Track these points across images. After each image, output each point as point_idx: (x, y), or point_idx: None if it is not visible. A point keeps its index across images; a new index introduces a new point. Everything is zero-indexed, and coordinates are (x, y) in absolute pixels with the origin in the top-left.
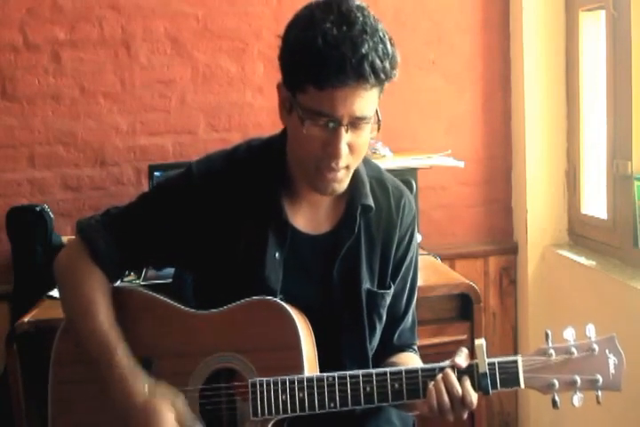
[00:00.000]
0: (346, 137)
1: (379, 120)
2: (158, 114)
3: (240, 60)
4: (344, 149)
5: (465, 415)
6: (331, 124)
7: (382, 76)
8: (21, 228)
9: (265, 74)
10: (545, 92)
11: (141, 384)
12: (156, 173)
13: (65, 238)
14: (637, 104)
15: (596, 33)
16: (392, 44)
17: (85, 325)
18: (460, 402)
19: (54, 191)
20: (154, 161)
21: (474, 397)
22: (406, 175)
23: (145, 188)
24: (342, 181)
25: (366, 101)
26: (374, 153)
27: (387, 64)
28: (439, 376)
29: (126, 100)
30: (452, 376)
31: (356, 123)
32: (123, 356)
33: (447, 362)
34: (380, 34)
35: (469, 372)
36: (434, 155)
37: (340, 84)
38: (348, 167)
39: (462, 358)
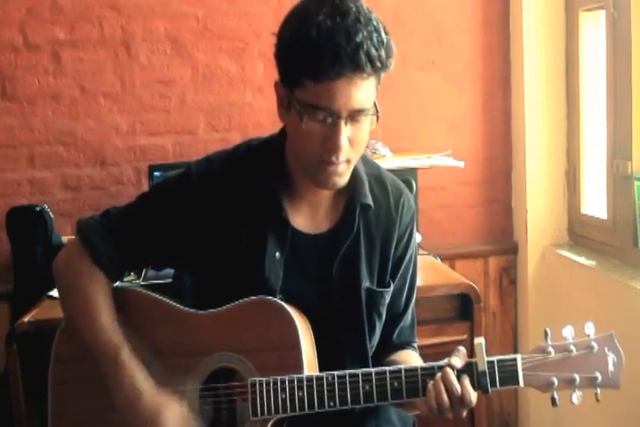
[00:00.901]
0: (345, 131)
1: (377, 111)
2: (158, 114)
3: (240, 60)
4: (344, 142)
5: (464, 414)
6: (329, 119)
7: (378, 64)
8: (21, 228)
9: (265, 74)
10: (545, 92)
11: (146, 385)
12: (156, 173)
13: (65, 238)
14: (637, 104)
15: (596, 33)
16: (386, 33)
17: (87, 326)
18: (459, 401)
19: (54, 191)
20: (154, 161)
21: (473, 395)
22: (406, 175)
23: (145, 188)
24: (343, 174)
25: (364, 92)
26: (374, 153)
27: (382, 52)
28: (438, 375)
29: (126, 100)
30: (452, 375)
31: (354, 116)
32: (127, 356)
33: (445, 361)
34: (374, 23)
35: (469, 370)
36: (434, 155)
37: (337, 74)
38: (348, 161)
39: (458, 359)
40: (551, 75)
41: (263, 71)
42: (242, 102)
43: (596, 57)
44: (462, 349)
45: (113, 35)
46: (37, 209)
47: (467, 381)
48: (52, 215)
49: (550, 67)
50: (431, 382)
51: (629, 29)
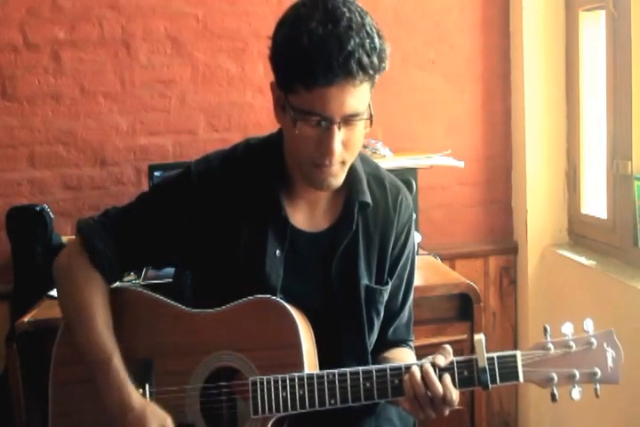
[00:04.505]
0: (339, 135)
1: (371, 115)
2: (158, 114)
3: (240, 60)
4: (337, 146)
5: (446, 412)
6: (323, 123)
7: (370, 71)
8: (21, 228)
9: (265, 74)
10: (545, 92)
11: (133, 397)
12: (156, 173)
13: (65, 238)
14: (637, 104)
15: (596, 33)
16: (380, 37)
17: (82, 329)
18: (440, 400)
19: (54, 191)
20: (154, 161)
21: (454, 394)
22: (406, 175)
23: (145, 188)
24: (338, 175)
25: (356, 98)
26: (374, 153)
27: (374, 59)
28: (417, 372)
29: (126, 100)
30: (432, 373)
31: (348, 120)
32: (117, 366)
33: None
34: (367, 28)
35: (469, 367)
36: (434, 155)
37: (329, 82)
38: (343, 162)
39: (442, 357)
40: (551, 75)
41: (263, 71)
42: (242, 102)
43: (596, 57)
44: (447, 347)
45: (113, 35)
46: (37, 209)
47: (448, 379)
48: (52, 215)
49: (550, 67)
50: (406, 375)
51: (629, 29)
